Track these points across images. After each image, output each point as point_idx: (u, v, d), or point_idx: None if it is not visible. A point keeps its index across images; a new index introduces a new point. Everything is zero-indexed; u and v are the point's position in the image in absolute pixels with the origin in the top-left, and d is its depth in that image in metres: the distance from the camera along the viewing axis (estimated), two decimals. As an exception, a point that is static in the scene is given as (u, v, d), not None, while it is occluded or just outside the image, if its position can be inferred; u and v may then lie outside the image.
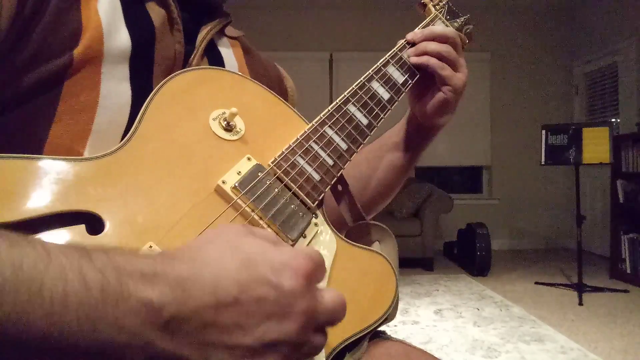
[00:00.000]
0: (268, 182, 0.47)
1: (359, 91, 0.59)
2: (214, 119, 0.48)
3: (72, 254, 0.28)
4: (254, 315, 0.31)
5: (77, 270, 0.27)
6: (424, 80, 0.65)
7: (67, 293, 0.26)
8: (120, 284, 0.28)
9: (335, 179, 0.53)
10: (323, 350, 0.44)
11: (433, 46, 0.63)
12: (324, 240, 0.50)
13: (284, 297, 0.32)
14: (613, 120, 4.67)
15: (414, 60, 0.64)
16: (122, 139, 0.43)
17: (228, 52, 0.62)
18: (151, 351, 0.28)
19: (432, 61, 0.62)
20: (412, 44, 0.65)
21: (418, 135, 0.70)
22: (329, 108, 0.56)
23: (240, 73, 0.55)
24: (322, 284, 0.46)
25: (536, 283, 3.56)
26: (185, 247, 0.33)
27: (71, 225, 0.37)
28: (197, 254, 0.32)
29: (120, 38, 0.47)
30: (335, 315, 0.35)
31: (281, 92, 0.69)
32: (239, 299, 0.30)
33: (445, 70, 0.62)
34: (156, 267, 0.30)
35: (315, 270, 0.34)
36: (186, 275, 0.30)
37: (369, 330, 0.49)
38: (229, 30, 0.64)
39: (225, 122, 0.48)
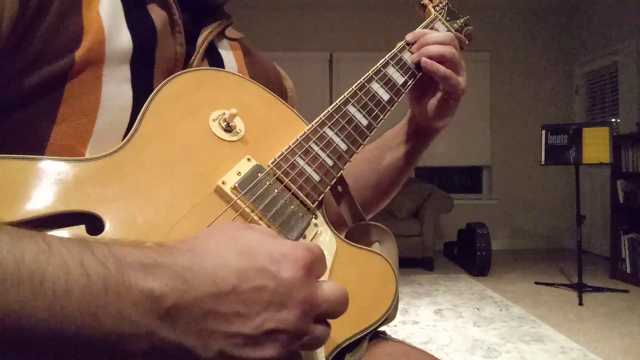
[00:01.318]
0: (268, 183, 0.47)
1: (358, 92, 0.59)
2: (213, 120, 0.48)
3: (73, 247, 0.28)
4: (253, 304, 0.31)
5: (78, 262, 0.28)
6: (424, 81, 0.65)
7: (69, 284, 0.27)
8: (122, 275, 0.28)
9: (335, 179, 0.53)
10: (323, 351, 0.44)
11: (436, 49, 0.63)
12: (323, 240, 0.50)
13: (283, 286, 0.32)
14: (613, 120, 4.67)
15: (417, 59, 0.64)
16: (124, 139, 0.43)
17: (228, 54, 0.62)
18: (153, 340, 0.29)
19: (435, 65, 0.63)
20: (412, 45, 0.65)
21: (418, 136, 0.71)
22: (329, 109, 0.56)
23: (240, 74, 0.55)
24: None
25: (536, 283, 3.56)
26: (185, 239, 0.34)
27: (71, 225, 0.37)
28: (196, 246, 0.33)
29: (121, 39, 0.47)
30: (336, 307, 0.35)
31: (280, 92, 0.69)
32: (239, 288, 0.31)
33: (448, 75, 0.63)
34: (157, 258, 0.30)
35: (314, 262, 0.35)
36: (186, 265, 0.31)
37: (369, 331, 0.49)
38: (230, 32, 0.64)
39: (225, 123, 0.48)
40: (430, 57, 0.63)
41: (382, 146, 0.72)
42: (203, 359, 0.30)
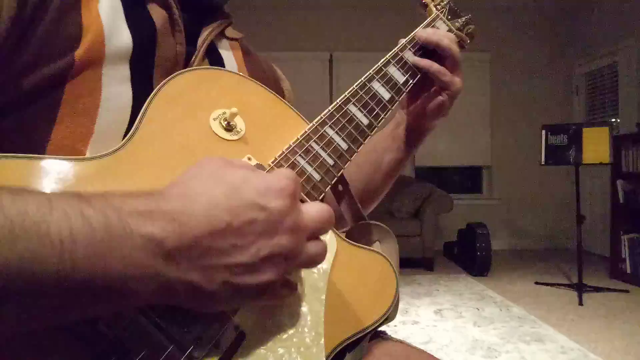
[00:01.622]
0: (268, 182, 0.47)
1: (359, 91, 0.59)
2: (214, 119, 0.48)
3: (71, 199, 0.30)
4: (246, 235, 0.34)
5: (79, 213, 0.29)
6: (421, 81, 0.65)
7: (73, 233, 0.28)
8: (122, 222, 0.30)
9: (336, 178, 0.53)
10: (323, 350, 0.43)
11: (443, 43, 0.63)
12: (324, 240, 0.50)
13: (272, 215, 0.35)
14: (613, 120, 4.67)
15: (416, 60, 0.64)
16: (124, 139, 0.43)
17: (228, 53, 0.62)
18: (160, 280, 0.31)
19: (435, 66, 0.63)
20: (414, 44, 0.65)
21: (408, 137, 0.71)
22: (330, 108, 0.56)
23: (240, 73, 0.55)
24: (321, 284, 0.46)
25: (536, 283, 3.56)
26: (172, 184, 0.36)
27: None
28: (184, 189, 0.35)
29: (121, 39, 0.47)
30: (323, 223, 0.38)
31: (278, 93, 0.69)
32: (231, 223, 0.33)
33: (446, 76, 0.63)
34: (150, 205, 0.32)
35: (296, 187, 0.37)
36: (179, 209, 0.33)
37: (369, 331, 0.49)
38: (229, 32, 0.64)
39: (226, 122, 0.48)
40: (428, 57, 0.63)
41: (370, 150, 0.72)
42: (209, 292, 0.33)
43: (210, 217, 0.33)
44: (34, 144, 0.42)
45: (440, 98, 0.64)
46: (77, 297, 0.29)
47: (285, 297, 0.39)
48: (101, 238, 0.29)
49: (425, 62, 0.63)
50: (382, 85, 0.61)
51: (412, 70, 0.64)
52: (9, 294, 0.27)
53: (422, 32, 0.65)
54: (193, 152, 0.45)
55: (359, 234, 0.58)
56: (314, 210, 0.38)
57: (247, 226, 0.34)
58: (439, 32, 0.65)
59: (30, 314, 0.28)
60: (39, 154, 0.40)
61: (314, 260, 0.39)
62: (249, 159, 0.48)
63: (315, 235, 0.39)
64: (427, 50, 0.65)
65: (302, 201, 0.40)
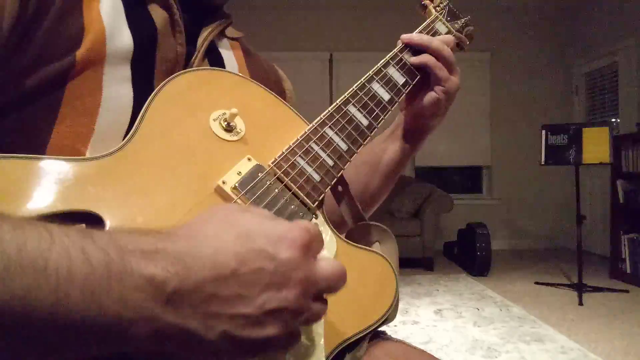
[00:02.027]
0: (268, 183, 0.47)
1: (359, 92, 0.59)
2: (214, 120, 0.48)
3: (74, 235, 0.29)
4: (253, 285, 0.32)
5: (80, 250, 0.28)
6: (420, 82, 0.65)
7: (72, 271, 0.27)
8: (124, 262, 0.29)
9: (336, 179, 0.53)
10: (324, 350, 0.44)
11: (433, 45, 0.63)
12: (324, 240, 0.50)
13: (282, 266, 0.33)
14: (613, 120, 4.67)
15: (413, 60, 0.64)
16: (124, 139, 0.43)
17: (228, 53, 0.62)
18: (157, 325, 0.29)
19: (432, 61, 0.63)
20: (410, 45, 0.65)
21: (409, 138, 0.71)
22: (329, 109, 0.56)
23: (240, 74, 0.55)
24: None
25: (536, 283, 3.56)
26: (182, 225, 0.35)
27: (71, 224, 0.37)
28: (194, 231, 0.33)
29: (122, 39, 0.47)
30: (334, 283, 0.36)
31: (279, 93, 0.69)
32: (238, 271, 0.32)
33: (442, 71, 0.63)
34: (157, 245, 0.31)
35: (312, 240, 0.35)
36: (185, 250, 0.31)
37: (369, 331, 0.49)
38: (230, 32, 0.64)
39: (226, 123, 0.48)
40: (426, 53, 0.64)
41: (369, 152, 0.72)
42: (207, 341, 0.31)
43: (216, 262, 0.31)
44: (34, 143, 0.42)
45: (434, 94, 0.64)
46: (69, 338, 0.28)
47: (286, 350, 0.36)
48: (100, 277, 0.28)
49: (422, 57, 0.64)
50: (382, 86, 0.61)
51: (411, 71, 0.64)
52: (1, 330, 0.26)
53: (413, 37, 0.65)
54: (193, 153, 0.45)
55: (358, 235, 0.58)
56: (327, 267, 0.36)
57: (254, 275, 0.32)
58: (427, 36, 0.66)
59: (22, 352, 0.27)
60: (39, 153, 0.40)
61: (316, 319, 0.37)
62: (249, 159, 0.48)
63: (323, 293, 0.36)
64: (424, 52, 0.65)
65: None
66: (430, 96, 0.65)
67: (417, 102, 0.67)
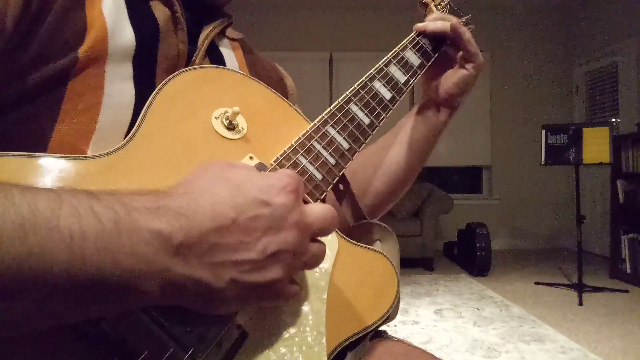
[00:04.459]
0: (270, 181, 0.47)
1: (360, 90, 0.59)
2: (216, 118, 0.48)
3: (80, 195, 0.30)
4: (253, 232, 0.34)
5: (88, 208, 0.29)
6: (442, 59, 0.67)
7: (83, 227, 0.28)
8: (131, 218, 0.30)
9: (337, 178, 0.53)
10: (325, 350, 0.43)
11: (454, 22, 0.65)
12: (325, 239, 0.50)
13: (277, 211, 0.35)
14: (613, 120, 4.67)
15: (440, 26, 0.66)
16: (125, 137, 0.43)
17: (229, 52, 0.62)
18: (169, 276, 0.31)
19: (467, 34, 0.65)
20: (414, 43, 0.66)
21: (433, 118, 0.71)
22: (331, 107, 0.56)
23: (242, 72, 0.55)
24: (323, 284, 0.46)
25: (536, 283, 3.56)
26: (176, 184, 0.36)
27: None
28: (189, 188, 0.35)
29: (124, 36, 0.47)
30: (326, 223, 0.39)
31: (282, 91, 0.69)
32: (237, 219, 0.34)
33: (472, 46, 0.65)
34: (158, 202, 0.33)
35: (299, 185, 0.38)
36: (185, 206, 0.33)
37: (370, 330, 0.49)
38: (230, 32, 0.64)
39: (228, 121, 0.48)
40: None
41: (385, 146, 0.72)
42: (216, 289, 0.33)
43: (216, 214, 0.33)
44: (36, 140, 0.42)
45: (464, 71, 0.66)
46: (87, 294, 0.29)
47: (291, 296, 0.38)
48: (110, 233, 0.29)
49: (453, 25, 0.64)
50: (384, 84, 0.61)
51: (412, 69, 0.64)
52: (19, 289, 0.27)
53: (428, 24, 0.66)
54: (195, 151, 0.45)
55: (360, 233, 0.58)
56: (318, 209, 0.38)
57: (253, 222, 0.34)
58: (442, 16, 0.67)
59: (40, 311, 0.28)
60: (40, 151, 0.40)
61: (316, 261, 0.39)
62: (251, 157, 0.48)
63: (317, 235, 0.39)
64: (431, 45, 0.66)
65: (306, 202, 0.40)
66: (461, 73, 0.66)
67: (444, 81, 0.68)
